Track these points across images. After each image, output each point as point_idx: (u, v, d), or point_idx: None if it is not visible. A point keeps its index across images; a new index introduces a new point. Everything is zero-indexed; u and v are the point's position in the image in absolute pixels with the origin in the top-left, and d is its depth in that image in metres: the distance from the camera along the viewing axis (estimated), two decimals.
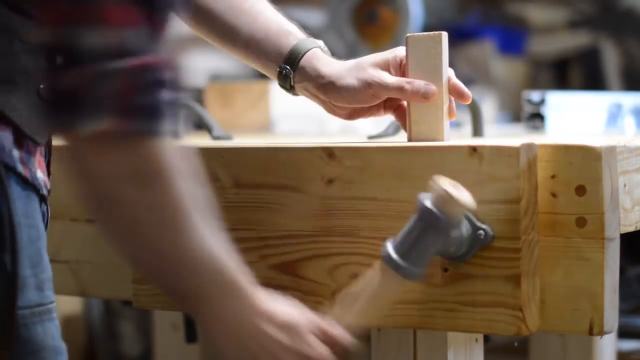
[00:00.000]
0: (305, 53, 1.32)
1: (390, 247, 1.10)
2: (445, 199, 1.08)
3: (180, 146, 1.02)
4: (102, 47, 0.96)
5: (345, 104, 1.31)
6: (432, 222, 1.08)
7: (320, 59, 1.33)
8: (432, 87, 1.26)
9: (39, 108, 1.11)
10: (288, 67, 1.32)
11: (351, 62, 1.31)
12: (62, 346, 1.15)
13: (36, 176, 1.13)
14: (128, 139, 0.99)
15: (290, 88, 1.34)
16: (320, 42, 1.36)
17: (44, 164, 1.17)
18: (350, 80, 1.29)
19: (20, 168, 1.10)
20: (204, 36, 1.39)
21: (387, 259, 1.10)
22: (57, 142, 1.22)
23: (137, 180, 1.00)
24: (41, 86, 1.13)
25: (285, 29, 1.35)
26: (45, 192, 1.15)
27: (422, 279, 1.12)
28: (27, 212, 1.11)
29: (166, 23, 1.00)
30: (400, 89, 1.27)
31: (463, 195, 1.09)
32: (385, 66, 1.30)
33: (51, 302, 1.14)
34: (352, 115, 1.34)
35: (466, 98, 1.30)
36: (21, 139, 1.11)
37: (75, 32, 0.96)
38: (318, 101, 1.34)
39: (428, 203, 1.08)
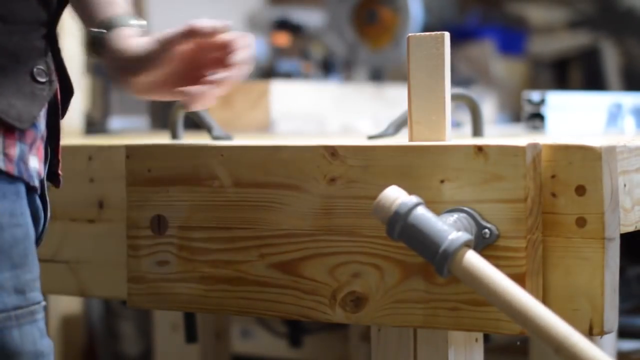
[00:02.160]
0: (119, 27, 1.26)
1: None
2: (378, 207, 1.11)
3: None
4: None
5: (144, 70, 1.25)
6: (396, 221, 1.10)
7: (128, 36, 1.27)
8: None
9: (31, 89, 1.10)
10: (104, 31, 1.27)
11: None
12: (44, 348, 1.11)
13: (27, 167, 1.10)
14: None
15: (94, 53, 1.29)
16: (143, 23, 1.30)
17: (42, 151, 1.14)
18: (145, 45, 1.25)
19: (1, 164, 1.07)
20: None
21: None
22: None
23: None
24: (35, 67, 1.11)
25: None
26: (36, 182, 1.12)
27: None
28: (13, 210, 1.09)
29: None
30: (189, 28, 1.23)
31: (386, 192, 1.11)
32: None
33: (35, 304, 1.11)
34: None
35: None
36: (7, 129, 1.08)
37: None
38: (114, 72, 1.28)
39: (387, 224, 1.11)
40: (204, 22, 1.24)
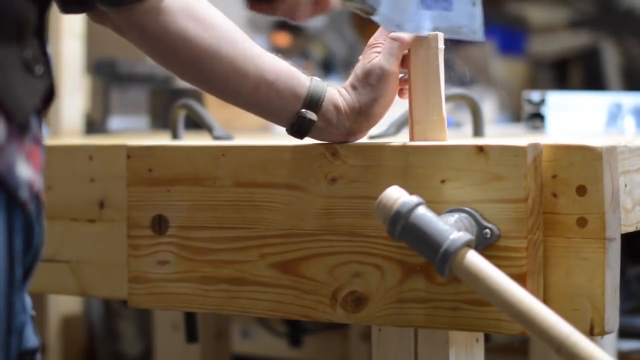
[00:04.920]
0: (325, 95, 1.21)
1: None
2: (379, 207, 1.11)
3: None
4: None
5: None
6: (398, 220, 1.10)
7: (336, 94, 1.23)
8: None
9: (26, 80, 0.85)
10: (310, 112, 1.20)
11: (355, 77, 1.23)
12: None
13: (13, 173, 0.84)
14: None
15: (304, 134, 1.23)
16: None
17: (39, 158, 0.89)
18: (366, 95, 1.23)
19: None
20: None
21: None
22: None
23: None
24: (25, 52, 0.86)
25: (294, 69, 1.22)
26: (24, 194, 0.86)
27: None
28: None
29: None
30: (404, 46, 1.24)
31: (388, 191, 1.11)
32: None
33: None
34: None
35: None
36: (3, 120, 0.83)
37: None
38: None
39: (388, 223, 1.10)
40: (408, 35, 1.23)
